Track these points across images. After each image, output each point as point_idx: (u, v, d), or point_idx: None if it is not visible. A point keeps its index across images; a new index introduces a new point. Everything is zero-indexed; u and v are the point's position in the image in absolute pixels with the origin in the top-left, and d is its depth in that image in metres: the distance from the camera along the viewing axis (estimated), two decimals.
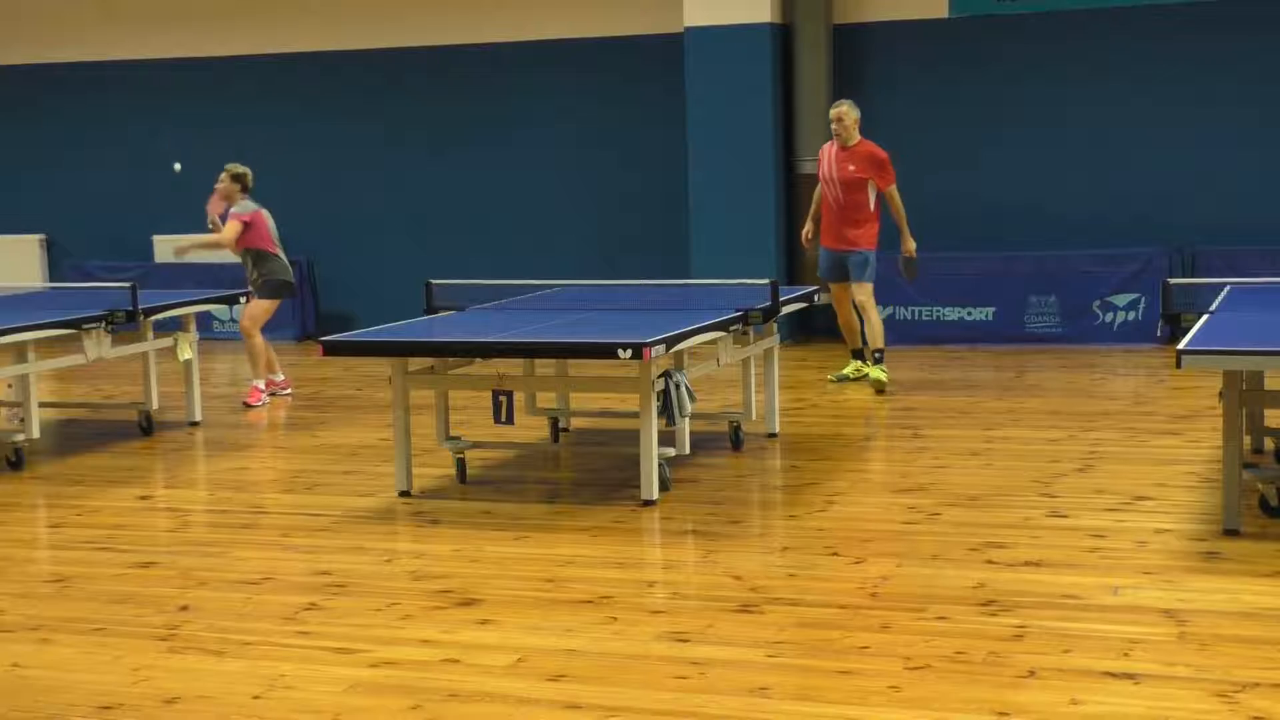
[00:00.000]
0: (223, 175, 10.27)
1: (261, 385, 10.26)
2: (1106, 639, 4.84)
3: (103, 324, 8.52)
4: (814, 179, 12.65)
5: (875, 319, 10.21)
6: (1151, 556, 5.83)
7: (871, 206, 10.19)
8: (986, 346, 12.11)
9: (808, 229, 10.56)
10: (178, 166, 10.31)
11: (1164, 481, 7.10)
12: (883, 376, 10.10)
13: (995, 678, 4.51)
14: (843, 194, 10.14)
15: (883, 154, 10.18)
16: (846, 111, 10.15)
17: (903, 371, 11.13)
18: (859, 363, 10.51)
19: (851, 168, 10.11)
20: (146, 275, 13.41)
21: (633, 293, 9.43)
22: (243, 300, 10.08)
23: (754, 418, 8.41)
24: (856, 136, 10.17)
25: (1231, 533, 6.05)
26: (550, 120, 13.71)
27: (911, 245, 10.36)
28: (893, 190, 10.18)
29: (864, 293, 10.12)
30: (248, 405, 10.13)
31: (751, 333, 8.08)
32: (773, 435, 8.54)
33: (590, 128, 13.59)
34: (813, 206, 10.57)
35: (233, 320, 13.84)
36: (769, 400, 8.62)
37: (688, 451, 7.31)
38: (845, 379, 10.53)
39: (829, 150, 10.27)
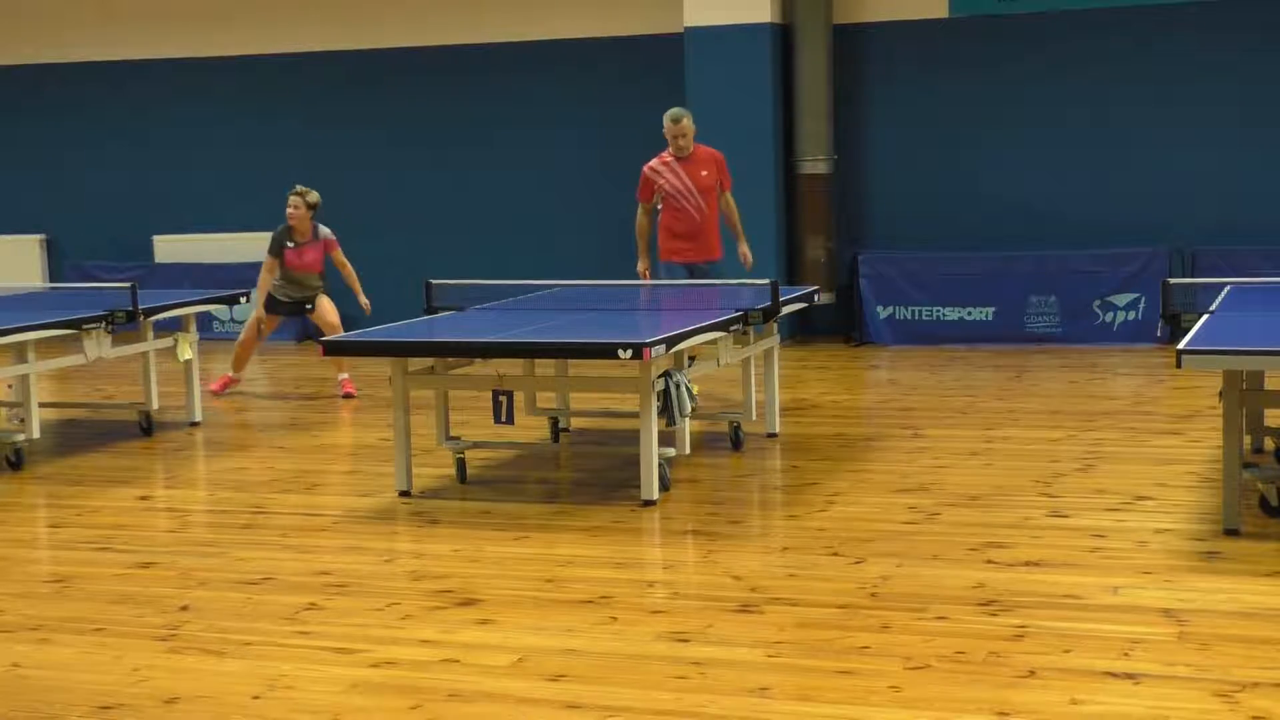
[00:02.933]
0: (295, 201, 10.23)
1: (347, 374, 10.51)
2: (1107, 639, 4.84)
3: (103, 324, 8.52)
4: (815, 179, 12.72)
5: None
6: (1151, 556, 5.83)
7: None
8: (986, 346, 12.11)
9: (645, 263, 9.68)
10: None
11: (1164, 481, 7.10)
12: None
13: (995, 678, 4.51)
14: (704, 202, 9.49)
15: (722, 154, 9.71)
16: (691, 124, 9.48)
17: (903, 371, 11.14)
18: None
19: (705, 173, 9.50)
20: (146, 275, 13.42)
21: (632, 293, 9.43)
22: (243, 300, 10.08)
23: (754, 418, 8.41)
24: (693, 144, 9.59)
25: (1232, 532, 6.05)
26: (550, 120, 13.71)
27: (749, 253, 9.84)
28: (730, 196, 9.75)
29: None
30: (349, 396, 10.31)
31: (752, 333, 8.08)
32: (773, 435, 8.54)
33: (590, 128, 13.58)
34: (643, 238, 9.68)
35: (234, 320, 13.84)
36: (769, 400, 8.62)
37: (688, 451, 7.31)
38: None
39: (666, 166, 9.51)
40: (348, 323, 10.85)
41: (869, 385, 10.82)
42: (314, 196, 10.29)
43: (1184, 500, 6.73)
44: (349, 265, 10.51)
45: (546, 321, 7.83)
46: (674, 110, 9.64)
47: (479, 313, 8.35)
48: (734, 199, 9.80)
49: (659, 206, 9.60)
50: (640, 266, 9.70)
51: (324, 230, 10.42)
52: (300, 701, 4.51)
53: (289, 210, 10.26)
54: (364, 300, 10.48)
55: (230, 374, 10.72)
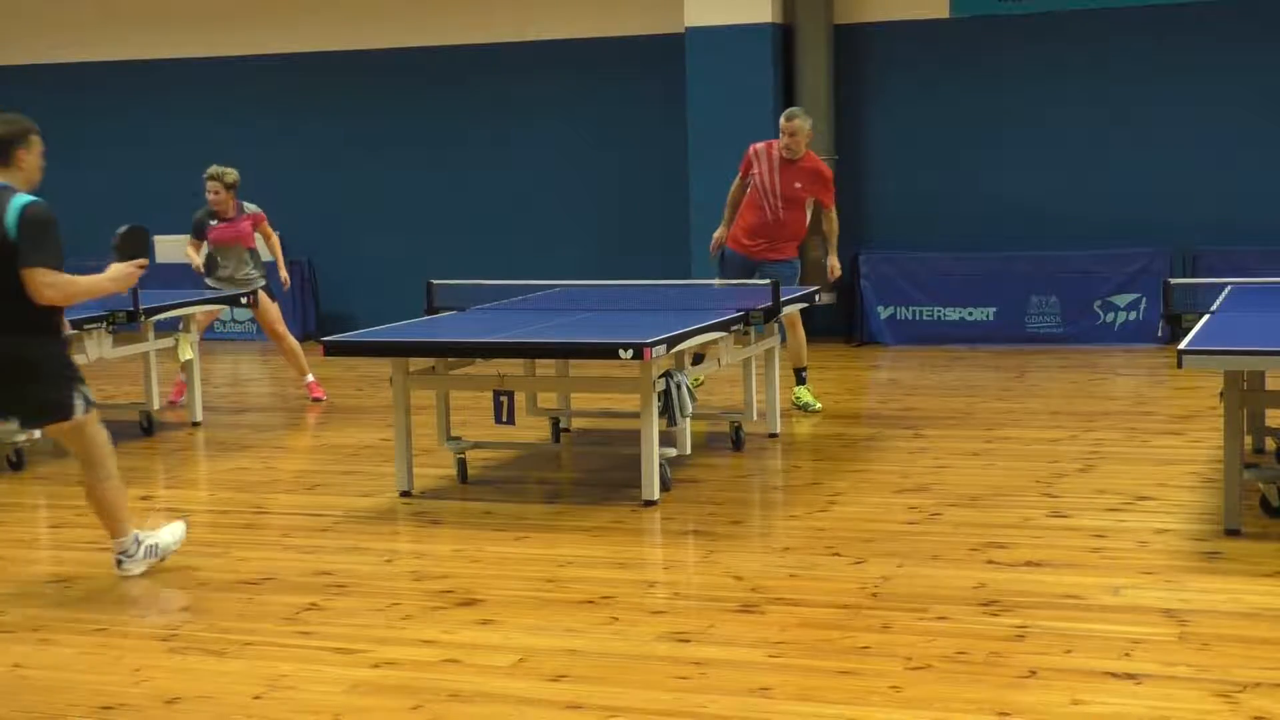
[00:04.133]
0: (214, 186, 10.06)
1: (313, 377, 10.36)
2: (1108, 639, 4.84)
3: (104, 324, 8.53)
4: None
5: (802, 334, 9.48)
6: (1152, 557, 5.83)
7: (807, 222, 9.42)
8: (987, 346, 12.11)
9: (721, 233, 9.39)
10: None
11: (1165, 481, 7.10)
12: (810, 398, 9.40)
13: (996, 678, 4.51)
14: (783, 209, 9.17)
15: (829, 171, 9.37)
16: (803, 125, 9.09)
17: (903, 372, 11.14)
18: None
19: (798, 185, 9.14)
20: (147, 275, 13.38)
21: (633, 293, 9.42)
22: (244, 301, 10.04)
23: (755, 418, 8.41)
24: (805, 149, 9.17)
25: (1232, 533, 6.05)
26: (550, 120, 13.71)
27: (838, 265, 9.62)
28: (834, 211, 9.40)
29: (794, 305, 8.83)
30: (318, 400, 10.19)
31: (753, 333, 8.08)
32: (773, 435, 8.54)
33: (590, 128, 13.59)
34: (729, 210, 9.42)
35: (235, 321, 13.85)
36: (770, 400, 8.62)
37: (689, 452, 7.31)
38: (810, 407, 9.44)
39: (768, 156, 9.19)
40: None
41: (870, 385, 10.81)
42: (232, 176, 10.11)
43: (1185, 500, 6.73)
44: (274, 236, 10.40)
45: (547, 322, 7.82)
46: (790, 108, 9.37)
47: (480, 313, 8.34)
48: (836, 215, 9.45)
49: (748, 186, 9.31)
50: (717, 233, 9.40)
51: (250, 206, 10.25)
52: (301, 702, 4.51)
53: (209, 196, 10.10)
54: (284, 274, 10.35)
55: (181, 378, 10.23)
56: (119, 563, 5.92)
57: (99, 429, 5.84)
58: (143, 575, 5.93)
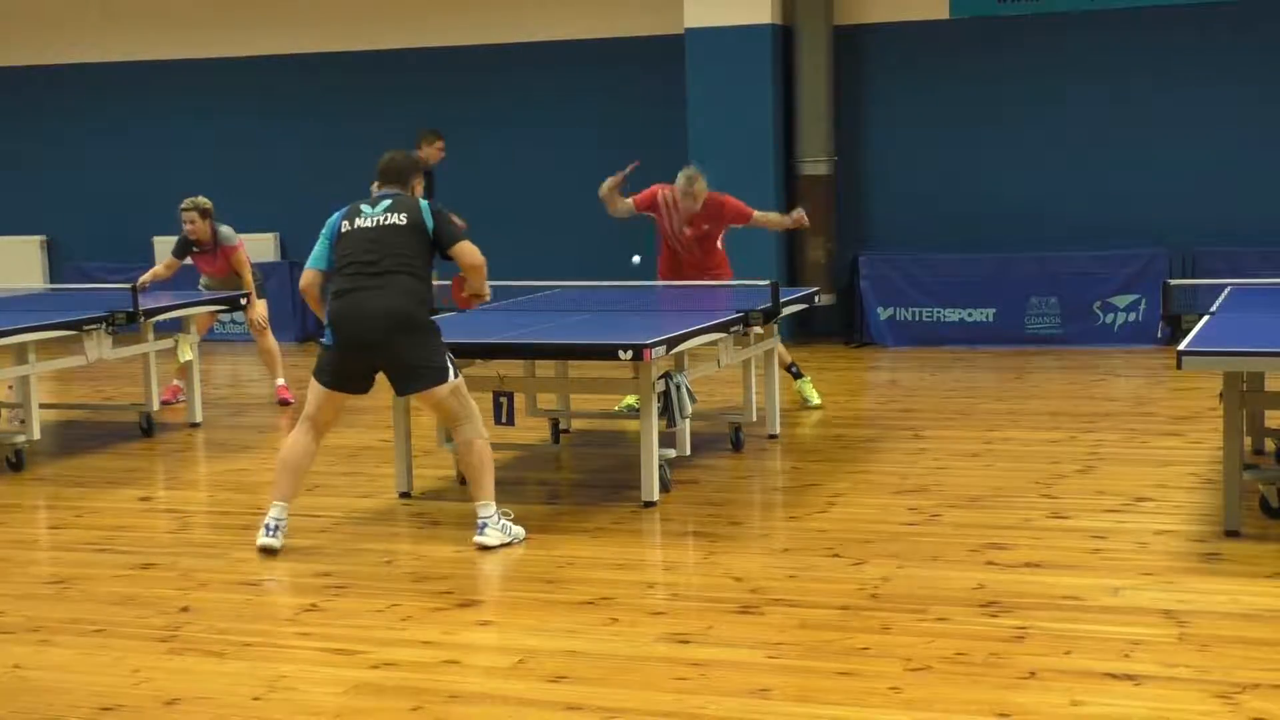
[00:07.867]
0: (191, 216, 9.82)
1: (283, 381, 10.30)
2: (1107, 640, 4.84)
3: (103, 325, 8.53)
4: (815, 180, 12.71)
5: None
6: (1152, 558, 5.83)
7: (720, 244, 9.17)
8: (987, 347, 12.11)
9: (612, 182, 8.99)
10: (636, 259, 9.35)
11: (1164, 483, 7.10)
12: (811, 392, 9.52)
13: (996, 679, 4.52)
14: (696, 249, 9.01)
15: (726, 197, 9.02)
16: (704, 186, 8.83)
17: (903, 373, 11.14)
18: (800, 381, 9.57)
19: (706, 226, 8.94)
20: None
21: (632, 294, 9.42)
22: (244, 303, 10.03)
23: (754, 419, 8.41)
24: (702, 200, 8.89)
25: (1232, 534, 6.05)
26: (551, 120, 13.71)
27: (789, 216, 9.40)
28: (756, 216, 9.13)
29: None
30: (286, 403, 10.16)
31: (752, 334, 8.08)
32: (773, 436, 8.54)
33: (590, 128, 13.58)
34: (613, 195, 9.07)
35: (234, 322, 13.84)
36: (769, 401, 8.62)
37: (688, 453, 7.31)
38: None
39: (668, 201, 8.97)
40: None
41: (869, 386, 10.81)
42: (206, 202, 9.88)
43: (1184, 501, 6.73)
44: (247, 266, 10.10)
45: (547, 322, 7.82)
46: (689, 171, 8.96)
47: (479, 314, 8.33)
48: (760, 214, 9.26)
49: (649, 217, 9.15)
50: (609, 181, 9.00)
51: (223, 235, 10.00)
52: (301, 703, 4.51)
53: (186, 227, 9.85)
54: (256, 313, 10.10)
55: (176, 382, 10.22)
56: (481, 527, 6.24)
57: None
58: (495, 549, 6.17)
